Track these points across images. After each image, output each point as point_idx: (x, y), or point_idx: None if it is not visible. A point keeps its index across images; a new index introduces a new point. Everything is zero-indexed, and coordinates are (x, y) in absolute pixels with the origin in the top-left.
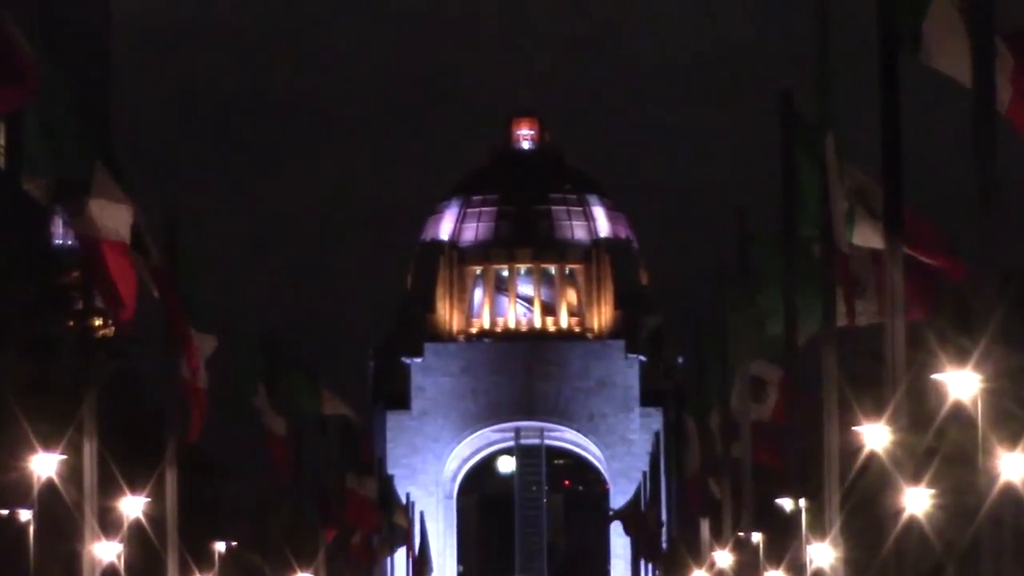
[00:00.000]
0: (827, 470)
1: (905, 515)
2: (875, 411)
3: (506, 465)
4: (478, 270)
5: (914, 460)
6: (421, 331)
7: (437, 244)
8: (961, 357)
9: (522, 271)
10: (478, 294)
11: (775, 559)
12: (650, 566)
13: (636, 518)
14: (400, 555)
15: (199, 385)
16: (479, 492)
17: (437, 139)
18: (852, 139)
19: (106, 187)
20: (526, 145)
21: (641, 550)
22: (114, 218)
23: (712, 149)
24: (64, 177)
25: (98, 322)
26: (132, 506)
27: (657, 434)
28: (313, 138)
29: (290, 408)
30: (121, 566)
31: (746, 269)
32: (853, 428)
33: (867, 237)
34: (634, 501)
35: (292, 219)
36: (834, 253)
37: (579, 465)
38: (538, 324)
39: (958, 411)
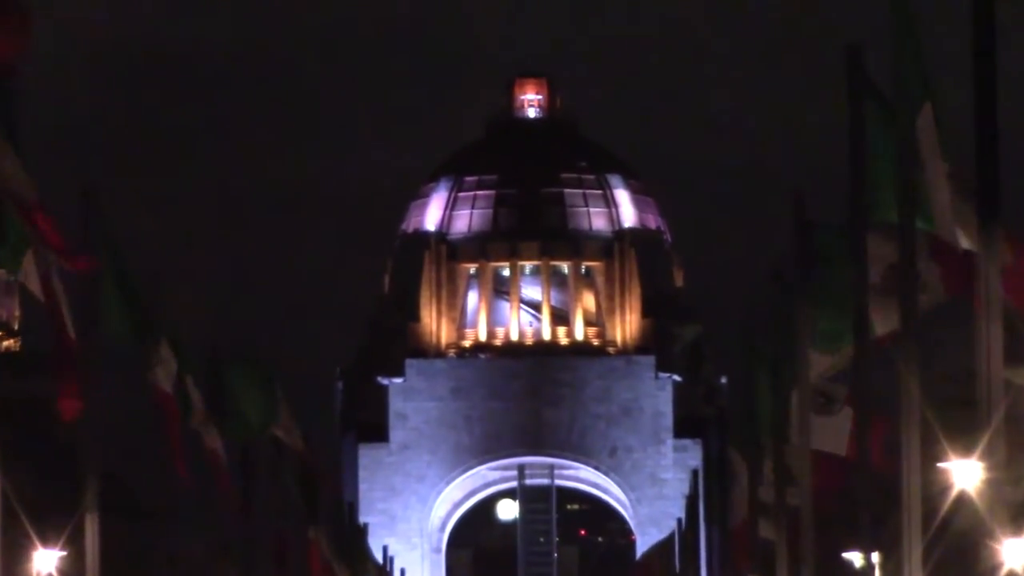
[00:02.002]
0: (906, 516)
1: (1003, 572)
2: (965, 443)
3: (507, 511)
4: (472, 268)
5: (1014, 503)
6: (401, 344)
7: (421, 236)
8: None
9: (527, 270)
10: (472, 298)
11: None
12: None
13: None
14: None
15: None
16: (474, 545)
17: (423, 104)
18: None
19: None
20: (532, 113)
21: None
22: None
23: (764, 120)
24: None
25: None
26: (44, 560)
27: (695, 472)
28: (268, 105)
29: (237, 435)
30: None
31: (806, 267)
32: (938, 464)
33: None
34: (659, 553)
35: (241, 204)
36: (911, 252)
37: (598, 511)
38: (547, 335)
39: None
